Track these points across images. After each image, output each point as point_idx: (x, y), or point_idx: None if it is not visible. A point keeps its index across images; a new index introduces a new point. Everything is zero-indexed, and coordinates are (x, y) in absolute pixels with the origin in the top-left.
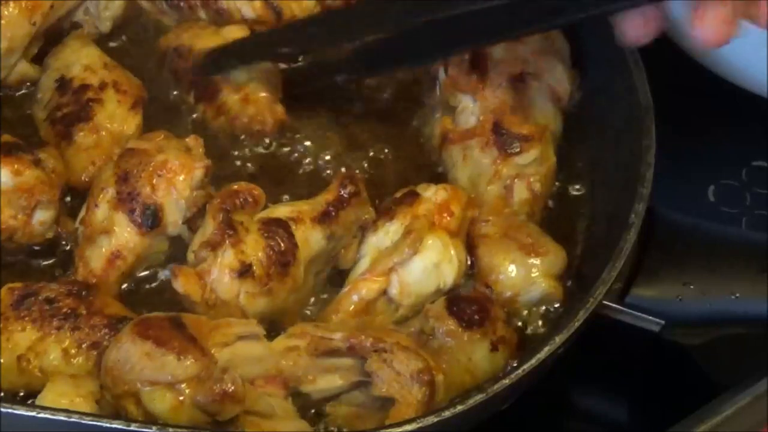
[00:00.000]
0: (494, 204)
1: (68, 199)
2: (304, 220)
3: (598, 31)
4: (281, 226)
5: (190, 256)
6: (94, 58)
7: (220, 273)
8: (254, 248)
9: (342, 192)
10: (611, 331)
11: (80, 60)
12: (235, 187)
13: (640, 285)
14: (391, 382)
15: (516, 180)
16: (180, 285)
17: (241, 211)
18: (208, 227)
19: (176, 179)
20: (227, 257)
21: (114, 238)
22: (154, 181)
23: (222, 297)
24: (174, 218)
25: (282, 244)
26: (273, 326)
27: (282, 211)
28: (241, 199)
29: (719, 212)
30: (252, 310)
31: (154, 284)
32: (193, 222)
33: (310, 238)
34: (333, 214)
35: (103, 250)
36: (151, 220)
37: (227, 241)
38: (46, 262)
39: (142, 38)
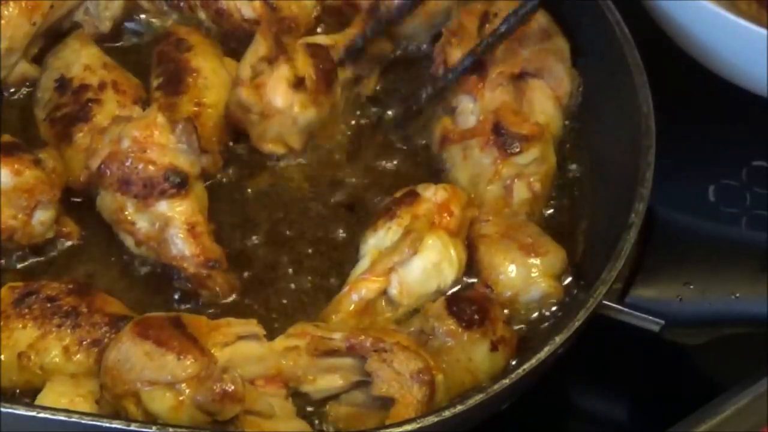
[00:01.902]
0: (494, 204)
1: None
2: (338, 48)
3: (598, 30)
4: (322, 49)
5: (245, 72)
6: (94, 58)
7: (277, 83)
8: (304, 64)
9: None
10: (611, 331)
11: (80, 60)
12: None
13: (640, 285)
14: (391, 381)
15: (516, 180)
16: (243, 95)
17: (287, 35)
18: (260, 46)
19: None
20: (283, 70)
21: None
22: None
23: (277, 106)
24: None
25: (326, 64)
26: (272, 327)
27: (321, 38)
28: (285, 24)
29: (719, 212)
30: (304, 118)
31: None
32: None
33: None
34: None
35: None
36: None
37: (281, 57)
38: (46, 262)
39: (142, 38)
